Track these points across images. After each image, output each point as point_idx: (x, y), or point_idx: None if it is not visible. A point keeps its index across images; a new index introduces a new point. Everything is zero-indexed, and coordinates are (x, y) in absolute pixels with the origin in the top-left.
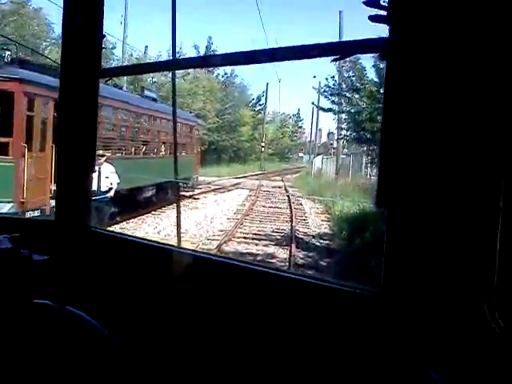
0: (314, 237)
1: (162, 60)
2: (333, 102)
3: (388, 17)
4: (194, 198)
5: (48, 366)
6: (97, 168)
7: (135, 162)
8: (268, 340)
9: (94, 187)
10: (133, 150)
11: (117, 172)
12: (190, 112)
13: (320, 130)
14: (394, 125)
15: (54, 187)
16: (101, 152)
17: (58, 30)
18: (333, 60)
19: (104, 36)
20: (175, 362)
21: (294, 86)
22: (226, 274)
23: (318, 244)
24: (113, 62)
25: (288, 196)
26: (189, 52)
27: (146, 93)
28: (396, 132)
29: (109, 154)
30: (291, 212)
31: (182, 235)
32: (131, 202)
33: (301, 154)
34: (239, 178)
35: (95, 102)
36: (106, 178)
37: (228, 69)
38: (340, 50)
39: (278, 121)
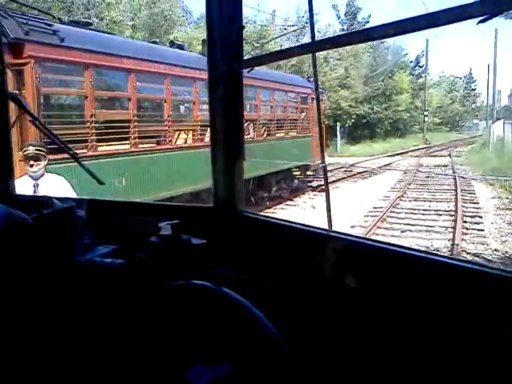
0: (495, 264)
1: (302, 43)
2: None
3: None
4: (323, 190)
5: (201, 341)
6: (32, 183)
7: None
8: (428, 335)
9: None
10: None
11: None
12: (308, 78)
13: (499, 91)
14: None
15: None
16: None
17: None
18: (479, 22)
19: (243, 27)
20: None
21: (463, 42)
22: (384, 260)
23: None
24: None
25: (455, 179)
26: (326, 14)
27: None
28: None
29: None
30: (456, 208)
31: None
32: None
33: (475, 121)
34: (392, 156)
35: (240, 92)
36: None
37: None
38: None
39: (445, 85)
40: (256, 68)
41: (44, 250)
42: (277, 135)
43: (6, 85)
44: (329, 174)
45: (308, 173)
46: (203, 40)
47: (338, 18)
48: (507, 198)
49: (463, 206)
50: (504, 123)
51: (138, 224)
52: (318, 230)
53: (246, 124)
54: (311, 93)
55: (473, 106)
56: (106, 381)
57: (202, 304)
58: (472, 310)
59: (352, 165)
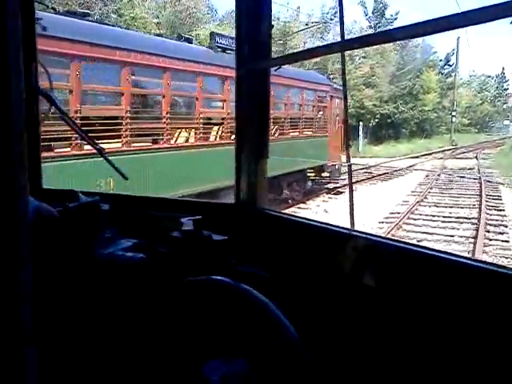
0: None
1: (329, 42)
2: None
3: None
4: (338, 192)
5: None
6: None
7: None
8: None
9: None
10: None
11: None
12: (329, 75)
13: None
14: None
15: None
16: None
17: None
18: None
19: (272, 26)
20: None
21: (496, 40)
22: (407, 261)
23: None
24: None
25: (480, 184)
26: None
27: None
28: None
29: None
30: (479, 215)
31: None
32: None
33: (506, 122)
34: (416, 157)
35: (267, 91)
36: None
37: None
38: None
39: (475, 84)
40: None
41: (69, 242)
42: (291, 134)
43: (38, 82)
44: (346, 176)
45: (323, 174)
46: (211, 33)
47: (366, 14)
48: None
49: (487, 214)
50: None
51: (159, 219)
52: (340, 229)
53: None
54: (330, 90)
55: (504, 106)
56: (125, 374)
57: (221, 300)
58: (493, 311)
59: (372, 166)
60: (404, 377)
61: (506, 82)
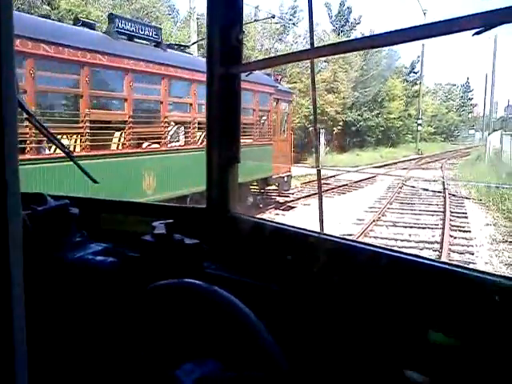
0: None
1: (299, 50)
2: None
3: None
4: (288, 207)
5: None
6: None
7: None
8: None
9: None
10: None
11: None
12: (276, 76)
13: (496, 102)
14: None
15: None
16: None
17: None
18: (475, 33)
19: (243, 32)
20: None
21: (460, 50)
22: (375, 264)
23: None
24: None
25: (444, 198)
26: (319, 12)
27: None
28: None
29: None
30: (442, 238)
31: None
32: None
33: (471, 131)
34: (379, 167)
35: (238, 96)
36: None
37: (367, 29)
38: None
39: (441, 93)
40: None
41: (36, 246)
42: None
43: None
44: (296, 190)
45: (272, 187)
46: (110, 14)
47: (330, 17)
48: (505, 226)
49: (451, 236)
50: (502, 135)
51: (130, 223)
52: (310, 233)
53: (175, 127)
54: (274, 93)
55: (469, 115)
56: (95, 380)
57: (192, 303)
58: (453, 311)
59: (331, 177)
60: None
61: (471, 91)
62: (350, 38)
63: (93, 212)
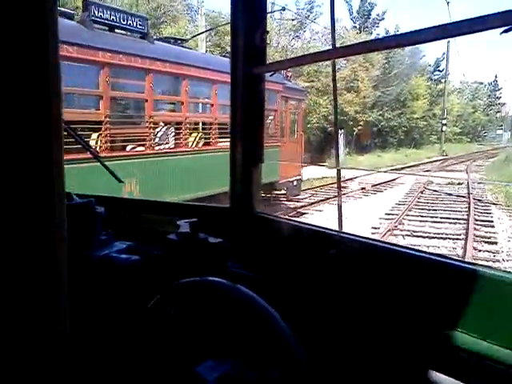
0: None
1: (323, 50)
2: None
3: None
4: (298, 214)
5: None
6: None
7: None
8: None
9: None
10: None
11: None
12: (287, 74)
13: None
14: None
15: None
16: None
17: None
18: (503, 32)
19: (268, 32)
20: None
21: (488, 47)
22: (392, 262)
23: None
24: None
25: (469, 205)
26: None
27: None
28: None
29: None
30: (465, 248)
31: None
32: None
33: (499, 132)
34: (398, 170)
35: (262, 96)
36: None
37: (391, 27)
38: None
39: (467, 92)
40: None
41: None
42: (219, 144)
43: None
44: (309, 194)
45: (279, 192)
46: (83, 0)
47: (351, 14)
48: None
49: (474, 249)
50: None
51: (155, 222)
52: (331, 232)
53: (164, 128)
54: (282, 90)
55: (497, 115)
56: (118, 377)
57: (217, 300)
58: (477, 311)
59: (349, 179)
60: (394, 377)
61: (499, 90)
62: (374, 38)
63: (118, 211)
